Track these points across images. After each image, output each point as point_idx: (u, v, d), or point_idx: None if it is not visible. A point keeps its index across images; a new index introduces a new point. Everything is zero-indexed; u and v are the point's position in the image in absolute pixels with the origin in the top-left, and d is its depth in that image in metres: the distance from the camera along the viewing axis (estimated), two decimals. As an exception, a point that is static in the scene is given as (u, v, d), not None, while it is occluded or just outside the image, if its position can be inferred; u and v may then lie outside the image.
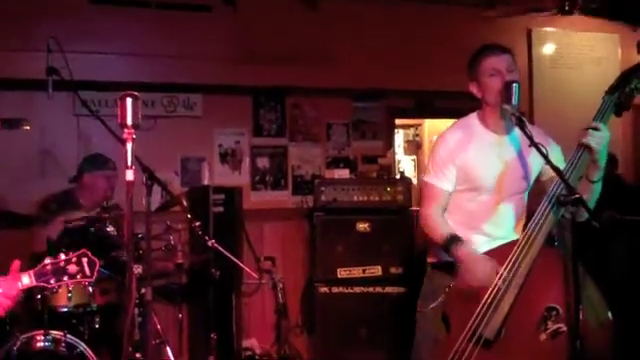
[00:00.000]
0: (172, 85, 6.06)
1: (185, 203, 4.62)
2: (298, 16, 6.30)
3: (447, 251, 3.13)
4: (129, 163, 2.64)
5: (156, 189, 3.69)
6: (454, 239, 3.11)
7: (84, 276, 2.68)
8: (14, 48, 5.39)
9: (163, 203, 4.98)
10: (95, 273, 2.69)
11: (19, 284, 2.63)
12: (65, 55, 4.24)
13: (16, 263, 2.67)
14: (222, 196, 5.59)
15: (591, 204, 3.03)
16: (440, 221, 3.28)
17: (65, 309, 4.25)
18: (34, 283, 2.65)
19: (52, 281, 2.66)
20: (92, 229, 4.63)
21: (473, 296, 2.94)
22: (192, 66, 5.92)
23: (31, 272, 2.65)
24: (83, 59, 5.08)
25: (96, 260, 2.70)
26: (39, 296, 4.10)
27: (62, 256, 2.69)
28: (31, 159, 5.76)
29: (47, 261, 2.67)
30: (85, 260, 2.68)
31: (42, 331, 4.01)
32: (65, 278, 2.67)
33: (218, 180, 6.13)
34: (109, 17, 5.79)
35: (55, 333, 4.04)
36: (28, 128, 5.75)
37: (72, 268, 2.67)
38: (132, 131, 2.63)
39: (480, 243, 3.20)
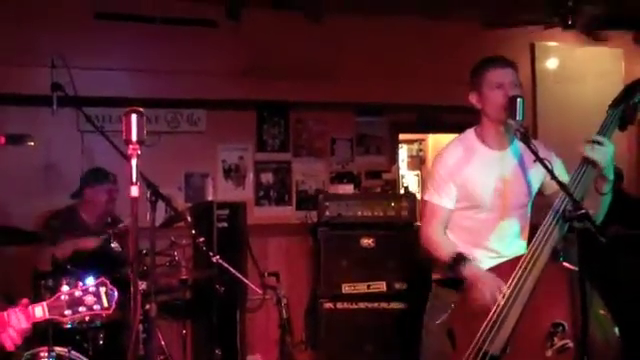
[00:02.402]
0: (176, 101, 6.08)
1: (189, 219, 4.60)
2: (302, 31, 6.32)
3: (453, 270, 3.11)
4: (134, 179, 2.63)
5: (160, 205, 3.69)
6: (461, 258, 3.09)
7: (102, 307, 2.46)
8: (19, 64, 5.42)
9: (167, 219, 4.98)
10: (114, 304, 2.53)
11: (31, 317, 2.49)
12: (70, 71, 4.24)
13: (25, 301, 2.53)
14: (226, 211, 5.60)
15: (601, 216, 3.02)
16: (443, 239, 3.27)
17: (69, 325, 4.24)
18: (47, 316, 2.49)
19: (67, 313, 2.48)
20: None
21: (479, 313, 2.92)
22: (196, 82, 5.94)
23: (44, 304, 2.49)
24: (87, 75, 5.10)
25: (115, 289, 2.53)
26: (43, 312, 4.09)
27: (80, 284, 2.51)
28: (35, 174, 5.77)
29: (63, 289, 2.50)
30: (103, 290, 2.48)
31: (46, 347, 3.99)
32: (81, 309, 2.48)
33: (222, 196, 6.14)
34: (114, 33, 5.81)
35: (59, 349, 4.03)
36: (32, 144, 5.75)
37: (89, 299, 2.47)
38: (137, 147, 2.62)
39: (485, 260, 3.18)
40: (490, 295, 2.93)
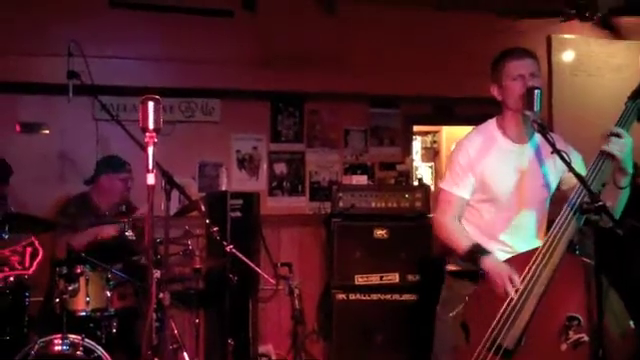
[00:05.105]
0: (191, 90, 6.08)
1: (203, 208, 4.61)
2: (317, 22, 6.30)
3: (472, 261, 3.10)
4: (150, 167, 2.63)
5: (174, 194, 3.69)
6: (480, 249, 3.09)
7: (23, 267, 2.42)
8: (35, 52, 5.43)
9: (181, 208, 4.99)
10: (35, 264, 2.48)
11: None
12: (86, 59, 4.25)
13: None
14: (240, 201, 5.60)
15: (619, 211, 3.00)
16: (460, 229, 3.26)
17: (83, 313, 4.27)
18: None
19: None
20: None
21: (493, 305, 2.91)
22: (211, 71, 5.93)
23: None
24: (103, 63, 5.12)
25: (40, 249, 2.48)
26: (57, 300, 4.12)
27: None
28: (50, 163, 5.79)
29: None
30: (29, 250, 2.43)
31: (60, 335, 4.03)
32: (6, 269, 2.44)
33: (235, 186, 6.15)
34: (129, 22, 5.81)
35: (73, 337, 4.06)
36: (47, 132, 5.79)
37: (15, 258, 2.44)
38: (153, 135, 2.62)
39: (498, 254, 3.16)
40: (505, 288, 2.92)
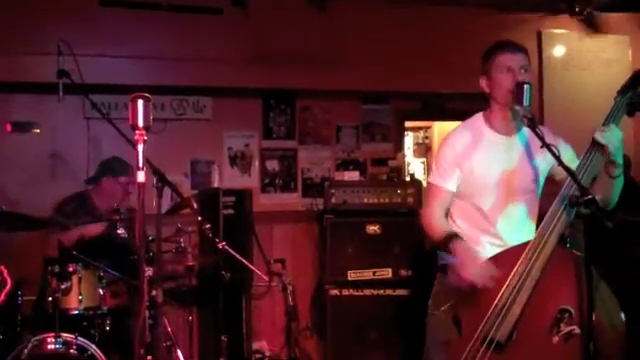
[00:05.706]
0: (182, 88, 6.07)
1: (195, 205, 4.61)
2: (308, 19, 6.30)
3: (445, 248, 3.12)
4: (140, 164, 2.63)
5: (166, 192, 3.69)
6: (453, 236, 3.11)
7: None
8: (25, 51, 5.41)
9: (173, 205, 4.99)
10: (3, 295, 2.38)
11: None
12: (76, 58, 4.25)
13: None
14: (232, 198, 5.60)
15: (614, 200, 3.02)
16: (442, 220, 3.28)
17: (76, 312, 4.26)
18: None
19: None
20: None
21: (485, 299, 2.92)
22: (202, 69, 5.92)
23: None
24: (93, 62, 5.12)
25: (9, 279, 2.39)
26: (50, 299, 4.12)
27: None
28: (42, 162, 5.78)
29: None
30: None
31: (53, 334, 4.02)
32: None
33: (228, 183, 6.15)
34: (120, 20, 5.80)
35: (66, 336, 4.06)
36: (38, 131, 5.77)
37: None
38: (143, 133, 2.63)
39: (490, 247, 3.18)
40: (475, 273, 2.91)
